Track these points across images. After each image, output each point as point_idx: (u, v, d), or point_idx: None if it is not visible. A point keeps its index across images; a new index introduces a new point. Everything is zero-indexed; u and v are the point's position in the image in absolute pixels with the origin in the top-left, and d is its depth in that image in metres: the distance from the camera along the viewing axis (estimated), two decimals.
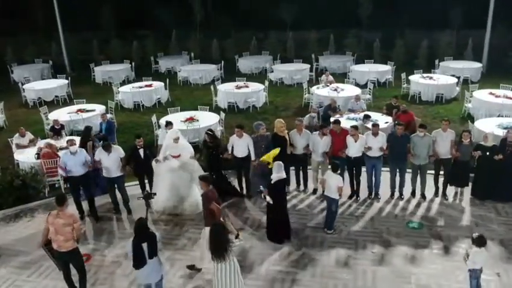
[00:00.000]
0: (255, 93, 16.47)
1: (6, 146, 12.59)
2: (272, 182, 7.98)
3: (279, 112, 15.98)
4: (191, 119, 13.06)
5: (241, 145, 9.79)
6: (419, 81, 17.11)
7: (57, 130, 12.48)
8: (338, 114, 12.76)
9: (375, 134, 9.48)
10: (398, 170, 9.67)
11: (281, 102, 17.38)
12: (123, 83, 19.81)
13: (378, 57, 22.57)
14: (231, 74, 21.08)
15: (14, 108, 17.57)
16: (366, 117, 11.86)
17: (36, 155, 10.79)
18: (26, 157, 11.06)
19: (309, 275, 7.44)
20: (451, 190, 9.86)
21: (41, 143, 11.48)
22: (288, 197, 9.81)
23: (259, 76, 21.19)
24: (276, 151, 8.74)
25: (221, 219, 6.80)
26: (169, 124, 10.79)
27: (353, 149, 9.48)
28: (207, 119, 13.21)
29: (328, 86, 16.24)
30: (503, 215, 9.05)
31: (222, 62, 21.97)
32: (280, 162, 8.13)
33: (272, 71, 20.91)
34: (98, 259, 8.05)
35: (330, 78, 17.15)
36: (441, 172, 9.79)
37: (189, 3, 27.12)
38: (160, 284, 6.59)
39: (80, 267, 6.98)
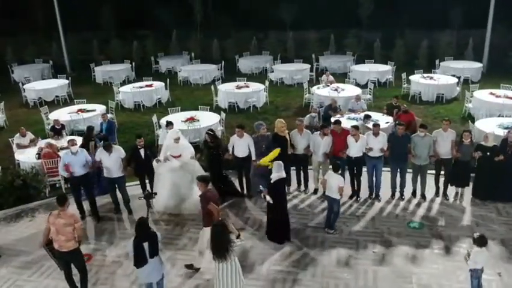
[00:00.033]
0: (255, 93, 16.47)
1: (6, 146, 12.60)
2: (272, 181, 7.99)
3: (279, 112, 15.99)
4: (192, 119, 13.07)
5: (241, 145, 9.80)
6: (419, 81, 17.12)
7: (57, 130, 12.48)
8: (339, 114, 12.76)
9: (376, 134, 9.48)
10: (398, 170, 9.67)
11: (281, 102, 17.38)
12: (123, 83, 19.81)
13: (378, 57, 22.59)
14: (231, 74, 21.09)
15: (15, 108, 17.58)
16: (367, 117, 11.87)
17: (37, 155, 10.79)
18: (26, 157, 11.07)
19: (310, 275, 7.44)
20: (451, 190, 9.86)
21: (42, 143, 11.49)
22: (288, 197, 9.84)
23: (259, 76, 21.20)
24: (275, 153, 8.74)
25: (219, 219, 6.79)
26: (169, 124, 10.80)
27: (354, 149, 9.48)
28: (208, 119, 13.22)
29: (328, 86, 16.25)
30: (504, 215, 9.05)
31: (222, 62, 21.98)
32: (280, 161, 8.14)
33: (272, 71, 20.92)
34: (99, 259, 8.06)
35: (331, 78, 17.16)
36: (442, 172, 9.79)
37: (189, 3, 27.14)
38: (161, 283, 6.61)
39: (82, 267, 6.99)
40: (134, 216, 9.12)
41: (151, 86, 17.52)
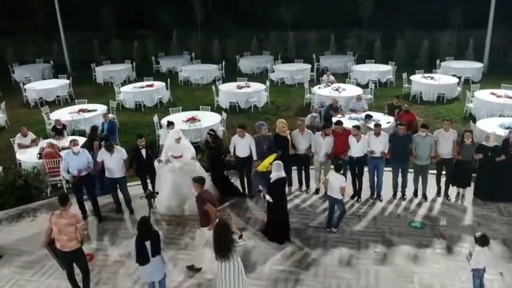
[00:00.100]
0: (256, 93, 16.48)
1: (8, 145, 12.60)
2: (271, 181, 8.00)
3: (280, 112, 16.00)
4: (193, 119, 13.08)
5: (243, 145, 9.80)
6: (420, 81, 17.13)
7: (59, 130, 12.48)
8: (340, 114, 12.77)
9: (377, 134, 9.49)
10: (400, 170, 9.67)
11: (282, 102, 17.39)
12: (124, 83, 19.81)
13: (379, 57, 22.61)
14: (232, 74, 21.10)
15: (16, 108, 17.59)
16: (368, 117, 11.87)
17: (38, 155, 10.79)
18: (28, 157, 11.07)
19: (312, 275, 7.44)
20: (453, 190, 9.86)
21: (43, 142, 11.50)
22: (290, 197, 9.88)
23: (260, 76, 21.21)
24: (271, 158, 8.80)
25: (220, 219, 6.80)
26: (170, 124, 10.79)
27: (355, 149, 9.49)
28: (209, 119, 13.22)
29: (329, 86, 16.26)
30: (505, 215, 9.05)
31: (223, 62, 21.99)
32: (280, 161, 8.16)
33: (273, 71, 20.94)
34: (101, 259, 8.07)
35: (332, 78, 17.17)
36: (443, 172, 9.79)
37: (190, 3, 27.18)
38: (163, 282, 6.62)
39: (84, 266, 7.00)
40: (136, 216, 9.11)
41: (151, 86, 17.54)
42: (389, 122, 12.03)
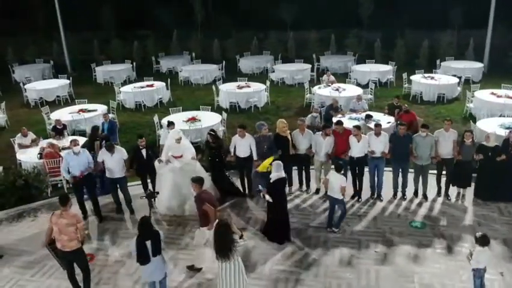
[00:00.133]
0: (256, 93, 16.48)
1: (8, 145, 12.60)
2: (271, 181, 8.00)
3: (280, 112, 16.00)
4: (193, 119, 13.08)
5: (243, 145, 9.80)
6: (420, 81, 17.14)
7: (59, 130, 12.48)
8: (340, 114, 12.77)
9: (377, 134, 9.49)
10: (400, 170, 9.67)
11: (283, 102, 17.39)
12: (124, 83, 19.80)
13: (379, 57, 22.61)
14: (232, 74, 21.11)
15: (16, 108, 17.59)
16: (368, 117, 11.88)
17: (38, 155, 10.79)
18: (28, 157, 11.07)
19: (312, 275, 7.44)
20: (453, 190, 9.86)
21: (44, 142, 11.50)
22: (290, 197, 9.88)
23: (260, 76, 21.21)
24: (270, 159, 8.83)
25: (221, 219, 6.81)
26: (171, 124, 10.79)
27: (356, 149, 9.49)
28: (209, 119, 13.22)
29: (329, 86, 16.27)
30: (506, 215, 9.06)
31: (223, 62, 21.99)
32: (280, 161, 8.17)
33: (273, 71, 20.94)
34: (101, 258, 8.07)
35: (332, 78, 17.17)
36: (444, 172, 9.79)
37: (190, 3, 27.18)
38: (164, 282, 6.63)
39: (85, 266, 7.00)
40: (136, 216, 9.12)
41: (152, 86, 17.54)
42: (389, 122, 12.03)
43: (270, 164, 8.53)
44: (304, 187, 10.36)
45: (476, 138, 10.61)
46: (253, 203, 9.86)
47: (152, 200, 9.37)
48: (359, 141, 9.45)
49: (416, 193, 9.88)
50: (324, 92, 15.69)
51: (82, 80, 21.25)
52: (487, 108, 14.09)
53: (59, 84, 18.66)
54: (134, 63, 22.39)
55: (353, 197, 9.83)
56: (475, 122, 12.78)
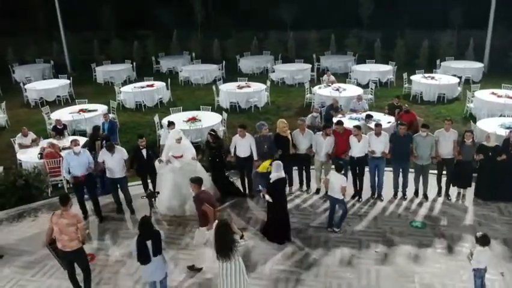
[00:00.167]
0: (256, 93, 16.48)
1: (8, 145, 12.61)
2: (271, 181, 8.00)
3: (280, 112, 16.00)
4: (193, 119, 13.08)
5: (243, 145, 9.80)
6: (420, 81, 17.14)
7: (59, 130, 12.48)
8: (340, 114, 12.78)
9: (378, 134, 9.49)
10: (401, 170, 9.67)
11: (283, 102, 17.39)
12: (124, 83, 19.80)
13: (379, 57, 22.62)
14: (232, 74, 21.11)
15: (16, 108, 17.59)
16: (368, 117, 11.87)
17: (39, 155, 10.79)
18: (28, 157, 11.06)
19: (312, 275, 7.45)
20: (453, 190, 9.85)
21: (44, 142, 11.50)
22: (291, 197, 9.89)
23: (260, 76, 21.21)
24: (268, 161, 8.86)
25: (220, 220, 6.81)
26: (171, 124, 10.79)
27: (356, 149, 9.49)
28: (209, 119, 13.22)
29: (330, 86, 16.27)
30: (506, 215, 9.06)
31: (223, 62, 21.99)
32: (279, 161, 8.17)
33: (273, 71, 20.94)
34: (102, 258, 8.07)
35: (332, 78, 17.17)
36: (444, 172, 9.79)
37: (190, 3, 27.19)
38: (165, 282, 6.63)
39: (85, 266, 7.00)
40: (137, 216, 9.12)
41: (152, 86, 17.54)
42: (389, 122, 12.03)
43: (270, 164, 8.54)
44: (304, 187, 10.35)
45: (476, 138, 10.62)
46: (253, 203, 9.86)
47: (153, 199, 9.38)
48: (359, 141, 9.45)
49: (416, 193, 9.88)
50: (324, 92, 15.69)
51: (82, 80, 21.25)
52: (487, 108, 14.09)
53: (59, 84, 18.66)
54: (134, 63, 22.40)
55: (353, 197, 9.83)
56: (475, 122, 12.78)
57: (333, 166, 9.09)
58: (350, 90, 15.63)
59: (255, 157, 9.73)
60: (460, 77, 17.90)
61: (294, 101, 17.41)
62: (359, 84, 17.95)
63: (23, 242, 8.70)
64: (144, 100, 16.93)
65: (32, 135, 11.93)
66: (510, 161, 9.13)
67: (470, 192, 9.77)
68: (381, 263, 7.70)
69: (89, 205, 9.48)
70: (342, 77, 19.75)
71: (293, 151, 9.90)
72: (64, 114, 14.11)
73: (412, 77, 17.55)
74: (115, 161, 9.20)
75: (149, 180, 9.96)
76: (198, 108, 14.57)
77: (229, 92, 16.55)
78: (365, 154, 9.54)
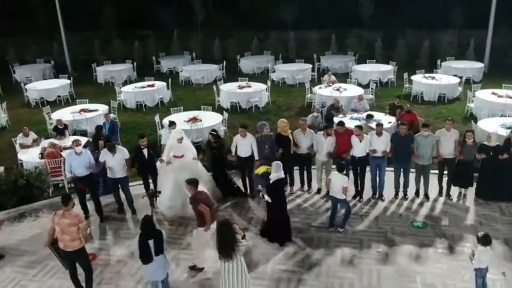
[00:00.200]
0: (257, 93, 16.48)
1: (9, 145, 12.61)
2: (271, 181, 8.01)
3: (281, 112, 16.00)
4: (194, 119, 13.09)
5: (244, 145, 9.80)
6: (421, 81, 17.14)
7: (60, 130, 12.49)
8: (341, 114, 12.79)
9: (379, 133, 9.49)
10: (402, 170, 9.68)
11: (283, 102, 17.40)
12: (125, 83, 19.80)
13: (380, 57, 22.62)
14: (233, 74, 21.11)
15: (17, 108, 17.59)
16: (369, 117, 11.89)
17: (40, 155, 10.80)
18: (30, 157, 11.07)
19: (314, 275, 7.45)
20: (454, 190, 9.86)
21: (45, 142, 11.51)
22: (292, 197, 9.91)
23: (261, 76, 21.22)
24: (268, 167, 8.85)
25: (213, 220, 6.82)
26: (172, 124, 10.80)
27: (358, 149, 9.49)
28: (210, 119, 13.23)
29: (330, 85, 16.27)
30: (507, 215, 9.06)
31: (224, 62, 21.99)
32: (279, 162, 8.18)
33: (274, 71, 20.94)
34: (103, 258, 8.07)
35: (333, 78, 17.18)
36: (445, 172, 9.79)
37: (190, 3, 27.16)
38: (166, 281, 6.65)
39: (87, 266, 7.00)
40: (138, 216, 9.11)
41: (152, 86, 17.54)
42: (390, 122, 12.03)
43: (270, 164, 8.53)
44: (305, 187, 10.35)
45: (477, 138, 10.61)
46: (254, 203, 9.86)
47: (154, 199, 9.39)
48: (361, 141, 9.45)
49: (417, 193, 9.88)
50: (325, 92, 15.70)
51: (82, 80, 21.23)
52: (488, 108, 14.09)
53: (60, 84, 18.67)
54: (135, 63, 22.40)
55: (354, 197, 9.83)
56: (476, 122, 12.79)
57: (334, 166, 9.09)
58: (351, 90, 15.64)
59: (256, 157, 9.73)
60: (461, 77, 17.91)
61: (295, 101, 17.41)
62: (359, 84, 17.95)
63: (25, 242, 8.71)
64: (145, 100, 16.94)
65: (33, 135, 11.94)
66: (511, 161, 9.13)
67: (471, 192, 9.77)
68: (382, 263, 7.70)
69: (90, 205, 9.48)
70: (343, 77, 19.75)
71: (294, 149, 9.89)
72: (64, 114, 14.11)
73: (413, 77, 17.55)
74: (116, 161, 9.20)
75: (150, 180, 9.96)
76: (199, 108, 14.57)
77: (229, 92, 16.56)
78: (366, 154, 9.54)
